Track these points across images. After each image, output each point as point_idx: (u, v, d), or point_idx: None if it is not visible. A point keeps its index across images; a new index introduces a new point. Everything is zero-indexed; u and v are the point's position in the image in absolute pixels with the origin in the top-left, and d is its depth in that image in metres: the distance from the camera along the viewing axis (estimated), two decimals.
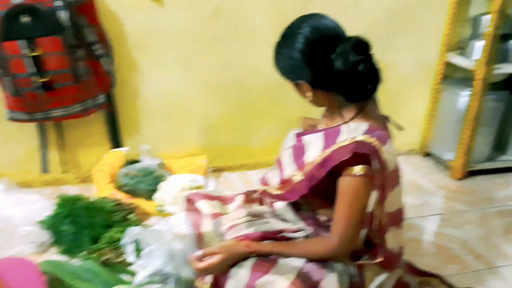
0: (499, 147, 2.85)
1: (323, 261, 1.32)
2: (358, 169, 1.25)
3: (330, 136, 1.34)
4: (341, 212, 1.29)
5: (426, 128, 2.91)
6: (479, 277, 1.89)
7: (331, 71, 1.25)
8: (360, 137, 1.26)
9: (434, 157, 2.92)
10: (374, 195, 1.29)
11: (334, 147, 1.29)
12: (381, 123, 1.36)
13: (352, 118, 1.33)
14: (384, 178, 1.25)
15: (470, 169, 2.71)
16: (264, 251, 1.34)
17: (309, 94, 1.33)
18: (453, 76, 2.84)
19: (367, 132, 1.27)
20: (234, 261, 1.33)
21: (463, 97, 2.60)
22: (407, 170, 2.76)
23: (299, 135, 1.49)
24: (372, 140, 1.25)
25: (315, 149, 1.35)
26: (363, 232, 1.35)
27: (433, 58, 2.74)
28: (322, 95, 1.33)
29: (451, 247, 2.07)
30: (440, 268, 1.93)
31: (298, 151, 1.42)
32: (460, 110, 2.62)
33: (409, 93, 2.78)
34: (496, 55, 2.44)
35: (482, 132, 2.63)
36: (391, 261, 1.38)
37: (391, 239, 1.36)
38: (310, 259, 1.33)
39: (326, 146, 1.32)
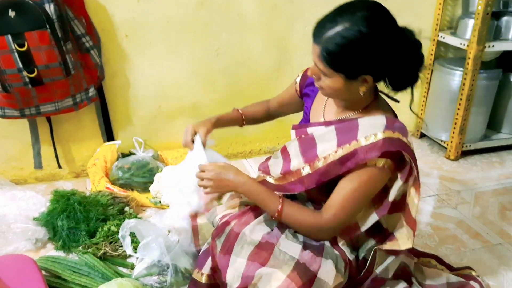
0: (493, 126, 2.86)
1: (319, 248, 1.32)
2: (378, 162, 1.24)
3: (346, 130, 1.31)
4: (341, 195, 1.27)
5: (420, 109, 2.90)
6: (476, 256, 1.90)
7: (401, 65, 1.22)
8: (383, 134, 1.24)
9: (428, 138, 2.93)
10: (397, 185, 1.29)
11: (356, 144, 1.26)
12: (390, 112, 1.36)
13: (365, 108, 1.32)
14: (417, 168, 1.27)
15: (464, 149, 2.72)
16: (254, 189, 1.35)
17: (364, 89, 1.25)
18: (446, 56, 2.84)
19: (388, 127, 1.25)
20: (227, 177, 1.35)
21: (456, 77, 2.60)
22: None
23: (298, 127, 1.46)
24: (397, 135, 1.24)
25: (329, 144, 1.32)
26: (373, 221, 1.33)
27: (425, 38, 2.72)
28: (367, 90, 1.27)
29: (447, 227, 2.08)
30: (437, 248, 1.94)
31: (307, 144, 1.39)
32: (453, 90, 2.62)
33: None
34: (488, 33, 2.42)
35: (476, 111, 2.64)
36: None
37: (400, 224, 1.38)
38: (291, 226, 1.34)
39: (343, 141, 1.29)
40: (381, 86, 1.33)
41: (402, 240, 1.35)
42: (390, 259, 1.40)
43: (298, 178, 1.38)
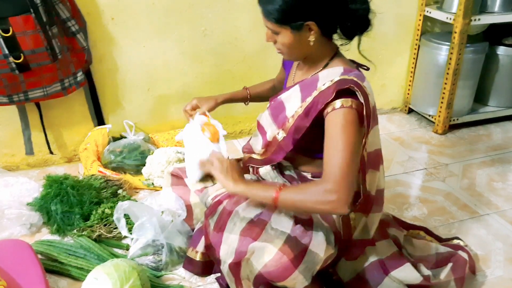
0: (480, 99, 2.90)
1: (309, 222, 1.35)
2: (339, 102, 1.23)
3: (308, 85, 1.35)
4: (331, 149, 1.21)
5: (407, 85, 2.92)
6: (465, 227, 1.95)
7: (344, 10, 1.26)
8: (338, 77, 1.28)
9: (416, 113, 2.96)
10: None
11: (315, 93, 1.30)
12: (352, 66, 1.38)
13: (326, 65, 1.36)
14: (368, 112, 1.23)
15: (452, 123, 2.75)
16: (251, 193, 1.34)
17: (313, 39, 1.29)
18: (433, 31, 2.85)
19: (344, 74, 1.30)
20: (226, 183, 1.36)
21: (443, 51, 2.62)
22: (391, 128, 2.80)
23: (273, 98, 1.49)
24: (352, 77, 1.26)
25: (294, 103, 1.37)
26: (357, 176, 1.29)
27: (411, 13, 2.73)
28: (317, 40, 1.30)
29: (436, 200, 2.12)
30: (426, 220, 1.98)
31: (276, 110, 1.43)
32: (440, 65, 2.64)
33: (389, 50, 2.78)
34: (474, 7, 2.43)
35: (463, 85, 2.66)
36: (367, 204, 1.40)
37: (368, 182, 1.37)
38: (297, 208, 1.28)
39: (306, 95, 1.34)
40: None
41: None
42: (364, 219, 1.42)
43: (277, 145, 1.42)
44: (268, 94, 1.75)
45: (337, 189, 1.17)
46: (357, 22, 1.30)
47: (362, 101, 1.22)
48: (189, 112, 1.64)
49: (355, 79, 1.26)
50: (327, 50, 1.38)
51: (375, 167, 1.41)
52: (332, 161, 1.20)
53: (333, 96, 1.23)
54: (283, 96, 1.43)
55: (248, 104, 1.79)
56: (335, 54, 1.39)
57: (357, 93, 1.23)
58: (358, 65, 1.42)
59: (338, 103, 1.23)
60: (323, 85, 1.30)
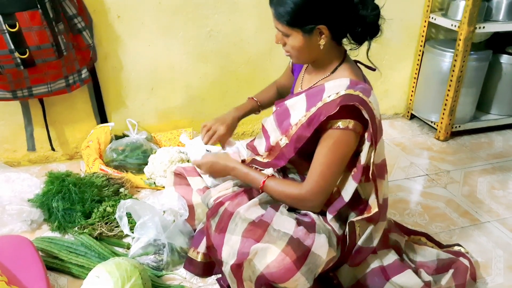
0: (482, 107, 2.90)
1: (311, 224, 1.35)
2: (341, 123, 1.27)
3: (314, 95, 1.36)
4: (316, 163, 1.33)
5: (410, 91, 2.93)
6: (465, 233, 1.95)
7: (355, 15, 1.27)
8: (344, 91, 1.28)
9: (419, 120, 2.96)
10: (365, 148, 1.31)
11: (320, 104, 1.31)
12: (359, 76, 1.38)
13: (335, 70, 1.36)
14: (374, 127, 1.28)
15: (454, 130, 2.76)
16: (243, 172, 1.45)
17: (323, 42, 1.30)
18: (437, 37, 2.85)
19: (350, 87, 1.30)
20: (218, 166, 1.51)
21: (447, 58, 2.62)
22: (393, 133, 2.80)
23: (278, 102, 1.50)
24: (358, 93, 1.27)
25: (299, 111, 1.38)
26: (352, 188, 1.36)
27: (416, 19, 2.74)
28: (327, 44, 1.31)
29: (437, 206, 2.12)
30: (427, 226, 1.98)
31: (281, 116, 1.44)
32: (444, 71, 2.64)
33: (393, 55, 2.78)
34: (478, 15, 2.44)
35: (466, 92, 2.67)
36: (377, 214, 1.40)
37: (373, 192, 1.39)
38: (277, 198, 1.41)
39: (311, 105, 1.34)
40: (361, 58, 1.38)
41: (374, 205, 1.38)
42: (370, 227, 1.42)
43: (280, 151, 1.43)
44: (275, 99, 1.75)
45: (312, 199, 1.35)
46: (367, 27, 1.30)
47: (367, 118, 1.26)
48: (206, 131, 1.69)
49: (360, 94, 1.27)
50: (336, 55, 1.38)
51: (381, 176, 1.42)
52: (314, 174, 1.33)
53: (336, 110, 1.25)
54: (289, 103, 1.43)
55: (259, 113, 1.80)
56: (344, 59, 1.39)
57: (362, 111, 1.25)
58: (365, 66, 1.43)
59: (337, 123, 1.28)
60: (328, 97, 1.31)
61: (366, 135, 1.31)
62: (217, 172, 1.55)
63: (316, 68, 1.42)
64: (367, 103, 1.26)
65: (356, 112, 1.27)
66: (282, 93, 1.77)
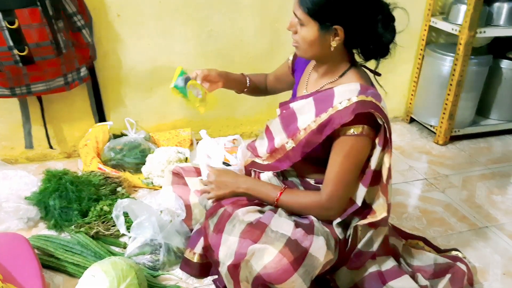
0: (482, 112, 2.90)
1: (309, 226, 1.35)
2: (354, 129, 1.27)
3: (323, 100, 1.34)
4: (333, 171, 1.32)
5: (410, 94, 2.93)
6: (463, 238, 1.94)
7: (373, 29, 1.28)
8: (356, 98, 1.27)
9: (418, 123, 2.96)
10: (376, 153, 1.31)
11: (332, 111, 1.30)
12: (368, 81, 1.38)
13: (343, 74, 1.35)
14: (390, 131, 1.30)
15: (453, 134, 2.75)
16: (256, 184, 1.44)
17: (335, 44, 1.29)
18: (437, 41, 2.85)
19: (361, 92, 1.29)
20: (226, 179, 1.45)
21: (447, 62, 2.62)
22: (392, 137, 2.79)
23: (283, 104, 1.49)
24: (370, 99, 1.27)
25: (307, 115, 1.36)
26: (362, 193, 1.36)
27: (417, 23, 2.74)
28: (338, 48, 1.31)
29: (435, 210, 2.12)
30: (425, 230, 1.97)
31: (288, 119, 1.42)
32: (444, 75, 2.64)
33: (392, 59, 2.75)
34: (479, 19, 2.44)
35: (465, 97, 2.66)
36: (384, 218, 1.39)
37: (377, 196, 1.40)
38: (295, 210, 1.39)
39: (320, 110, 1.33)
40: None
41: (379, 211, 1.38)
42: (371, 232, 1.42)
43: (284, 154, 1.42)
44: (262, 88, 1.75)
45: (332, 206, 1.35)
46: (380, 46, 1.31)
47: (381, 123, 1.27)
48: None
49: (373, 100, 1.27)
50: (344, 59, 1.37)
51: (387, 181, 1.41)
52: (332, 181, 1.32)
53: (351, 118, 1.25)
54: (295, 106, 1.41)
55: (242, 92, 1.72)
56: (352, 63, 1.38)
57: (378, 118, 1.26)
58: (370, 71, 1.42)
59: (350, 129, 1.27)
60: (340, 103, 1.29)
61: (377, 140, 1.31)
62: (223, 184, 1.47)
63: (323, 71, 1.40)
64: (380, 108, 1.27)
65: (368, 117, 1.27)
66: (269, 87, 1.75)
